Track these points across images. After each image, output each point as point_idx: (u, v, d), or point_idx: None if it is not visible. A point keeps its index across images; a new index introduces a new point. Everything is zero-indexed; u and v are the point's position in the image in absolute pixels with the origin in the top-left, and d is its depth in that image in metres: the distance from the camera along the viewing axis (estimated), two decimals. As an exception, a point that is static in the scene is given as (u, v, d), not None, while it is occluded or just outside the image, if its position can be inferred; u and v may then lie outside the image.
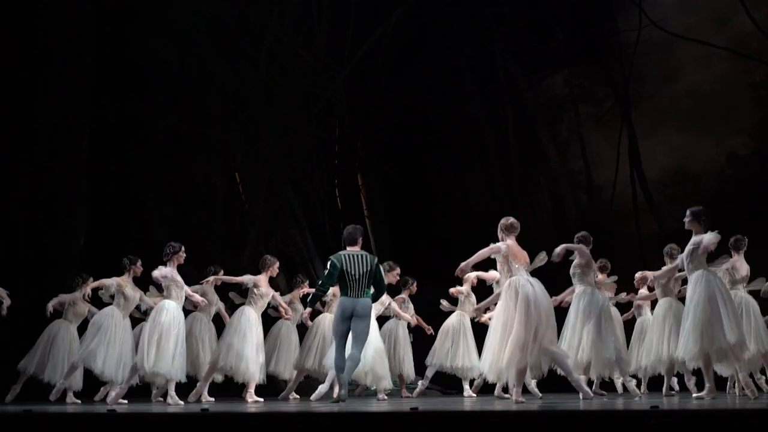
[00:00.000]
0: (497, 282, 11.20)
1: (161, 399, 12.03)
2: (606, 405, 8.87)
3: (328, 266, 10.15)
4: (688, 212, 10.11)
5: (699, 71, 18.48)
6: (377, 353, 11.52)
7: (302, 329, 13.18)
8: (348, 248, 10.21)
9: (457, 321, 13.11)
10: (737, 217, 10.72)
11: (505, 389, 10.95)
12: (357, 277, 9.99)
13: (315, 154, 19.36)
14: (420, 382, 13.18)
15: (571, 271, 10.97)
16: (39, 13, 16.62)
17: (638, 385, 12.05)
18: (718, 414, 7.39)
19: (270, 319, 13.24)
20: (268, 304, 12.51)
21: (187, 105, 17.63)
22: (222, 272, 12.65)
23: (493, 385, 11.27)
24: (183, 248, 11.25)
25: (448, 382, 13.80)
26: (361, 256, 10.12)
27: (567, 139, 19.90)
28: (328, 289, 10.52)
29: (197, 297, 11.63)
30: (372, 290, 10.19)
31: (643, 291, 12.56)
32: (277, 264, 12.38)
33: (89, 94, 16.96)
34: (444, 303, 13.24)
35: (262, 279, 12.27)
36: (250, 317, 12.03)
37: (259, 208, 17.92)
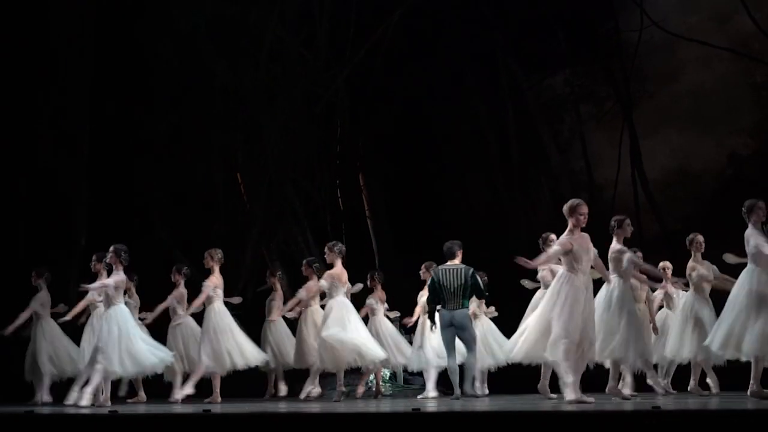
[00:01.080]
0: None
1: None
2: (606, 405, 8.87)
3: (429, 281, 11.07)
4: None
5: (700, 71, 18.49)
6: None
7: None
8: (448, 262, 10.87)
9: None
10: (737, 217, 10.65)
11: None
12: (452, 290, 10.67)
13: (316, 154, 19.35)
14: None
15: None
16: (40, 13, 16.63)
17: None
18: (719, 414, 7.39)
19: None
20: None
21: (188, 105, 17.64)
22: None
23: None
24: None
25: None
26: (456, 270, 10.74)
27: (568, 138, 19.90)
28: (435, 302, 10.95)
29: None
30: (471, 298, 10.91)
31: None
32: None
33: (90, 93, 16.96)
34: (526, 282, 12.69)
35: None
36: None
37: (261, 207, 17.92)
